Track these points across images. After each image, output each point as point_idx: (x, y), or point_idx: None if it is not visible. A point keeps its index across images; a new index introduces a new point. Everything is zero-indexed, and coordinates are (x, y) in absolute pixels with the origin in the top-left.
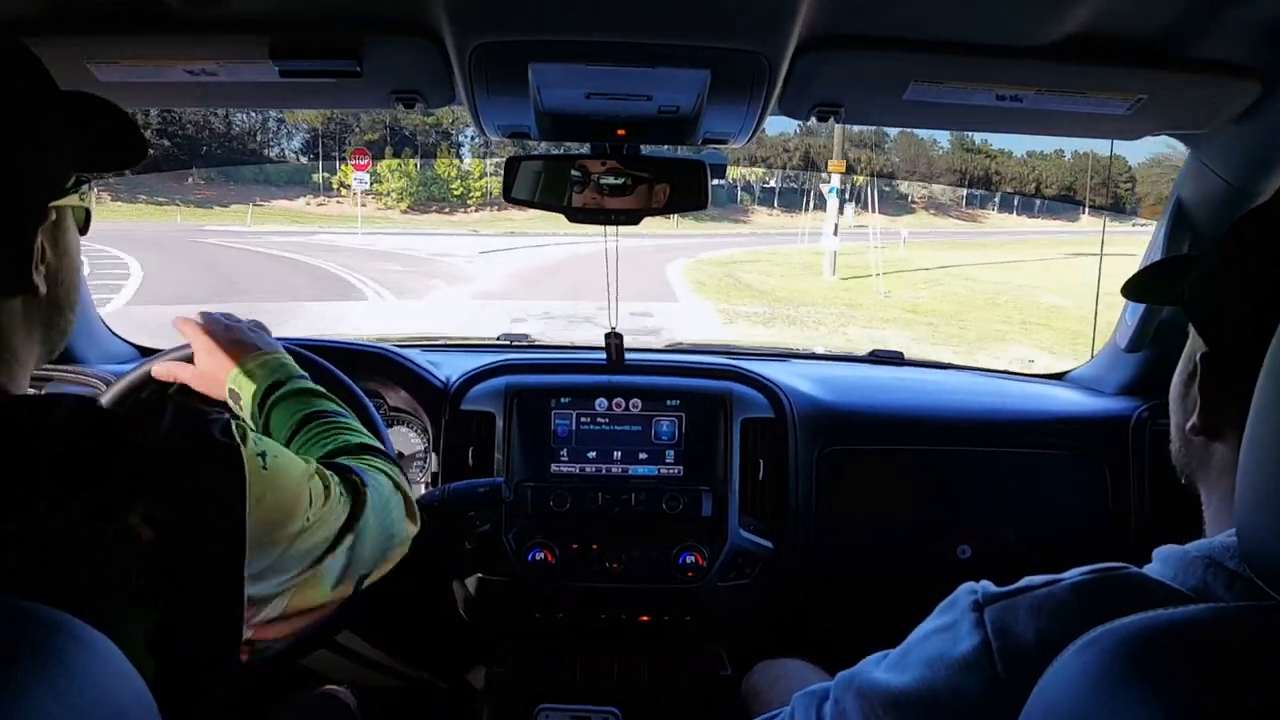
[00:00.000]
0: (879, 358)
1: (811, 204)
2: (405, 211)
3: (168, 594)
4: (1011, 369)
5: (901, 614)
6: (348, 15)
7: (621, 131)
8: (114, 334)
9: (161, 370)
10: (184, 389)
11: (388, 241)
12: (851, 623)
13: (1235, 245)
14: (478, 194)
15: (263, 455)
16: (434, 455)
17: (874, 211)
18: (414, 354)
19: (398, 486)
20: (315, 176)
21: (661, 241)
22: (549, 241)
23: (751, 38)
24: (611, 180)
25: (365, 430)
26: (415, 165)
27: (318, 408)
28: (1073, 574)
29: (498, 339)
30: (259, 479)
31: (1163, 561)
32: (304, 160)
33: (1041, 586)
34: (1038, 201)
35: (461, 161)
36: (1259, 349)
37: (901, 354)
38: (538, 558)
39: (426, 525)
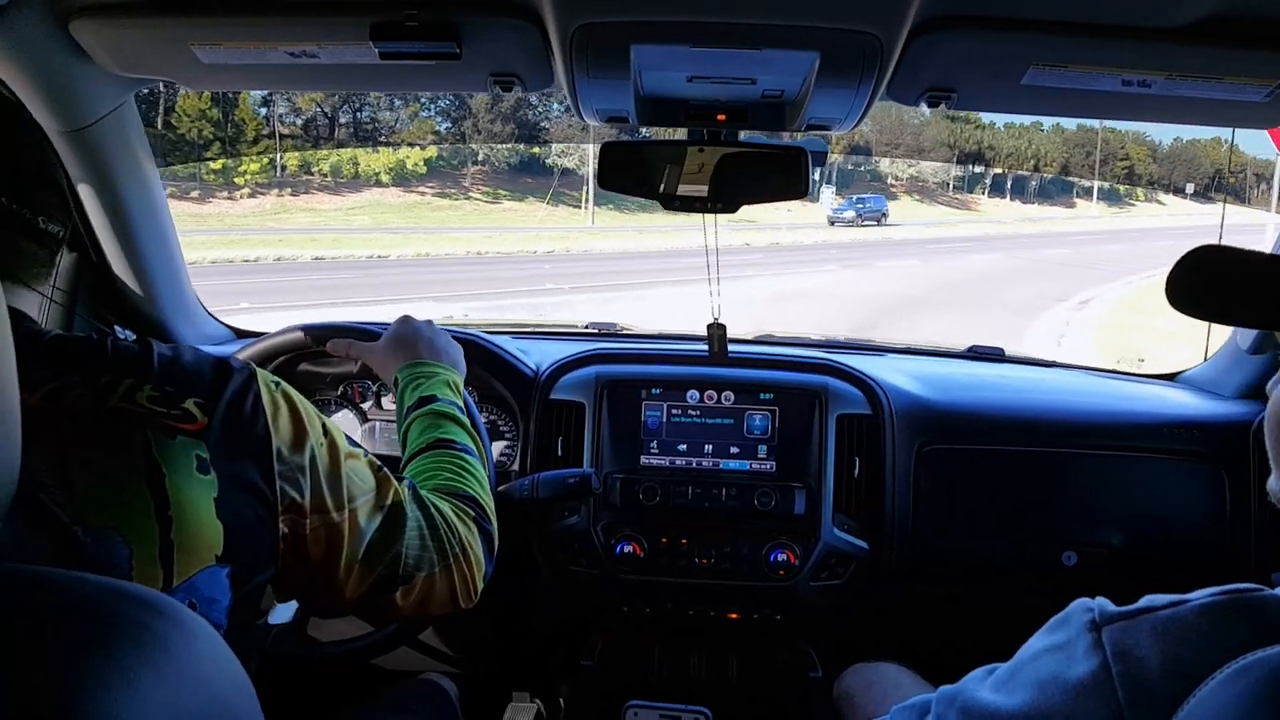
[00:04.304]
0: (979, 353)
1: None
2: None
3: (222, 468)
4: (1119, 368)
5: (1003, 621)
6: None
7: (722, 116)
8: (211, 315)
9: (339, 345)
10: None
11: None
12: (949, 628)
13: None
14: (253, 169)
15: (276, 383)
16: (522, 444)
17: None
18: (504, 340)
19: (464, 549)
20: None
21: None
22: None
23: (865, 18)
24: (709, 167)
25: (483, 481)
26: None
27: (452, 436)
28: (1199, 595)
29: (586, 327)
30: (272, 395)
31: None
32: None
33: (1165, 607)
34: (1031, 184)
35: (229, 112)
36: None
37: (1002, 350)
38: (626, 551)
39: (515, 515)
